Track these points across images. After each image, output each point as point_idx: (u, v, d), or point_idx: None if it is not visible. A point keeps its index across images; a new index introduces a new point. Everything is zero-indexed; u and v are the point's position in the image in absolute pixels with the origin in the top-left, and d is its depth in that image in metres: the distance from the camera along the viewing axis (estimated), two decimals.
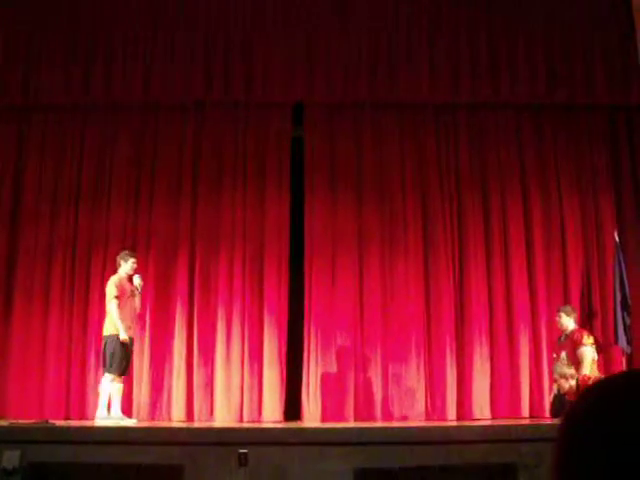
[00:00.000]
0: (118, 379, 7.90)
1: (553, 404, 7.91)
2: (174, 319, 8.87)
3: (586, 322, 8.94)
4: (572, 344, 7.91)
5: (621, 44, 9.19)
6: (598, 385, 1.02)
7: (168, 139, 9.31)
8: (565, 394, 7.37)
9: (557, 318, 8.29)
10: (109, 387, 7.81)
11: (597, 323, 9.03)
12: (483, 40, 9.21)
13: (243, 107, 9.34)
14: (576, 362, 7.69)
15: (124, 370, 7.91)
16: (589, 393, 1.02)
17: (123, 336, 7.70)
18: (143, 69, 9.08)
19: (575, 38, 9.21)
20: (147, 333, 8.79)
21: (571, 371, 7.36)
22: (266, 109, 9.35)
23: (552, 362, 8.30)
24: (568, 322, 8.14)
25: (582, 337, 7.90)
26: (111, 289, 7.87)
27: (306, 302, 8.95)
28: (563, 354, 7.89)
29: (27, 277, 8.96)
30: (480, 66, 9.15)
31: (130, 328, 7.91)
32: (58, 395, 8.65)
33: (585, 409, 1.00)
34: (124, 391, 8.22)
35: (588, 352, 7.77)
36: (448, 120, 9.48)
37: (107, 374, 7.80)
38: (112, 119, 9.37)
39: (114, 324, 7.74)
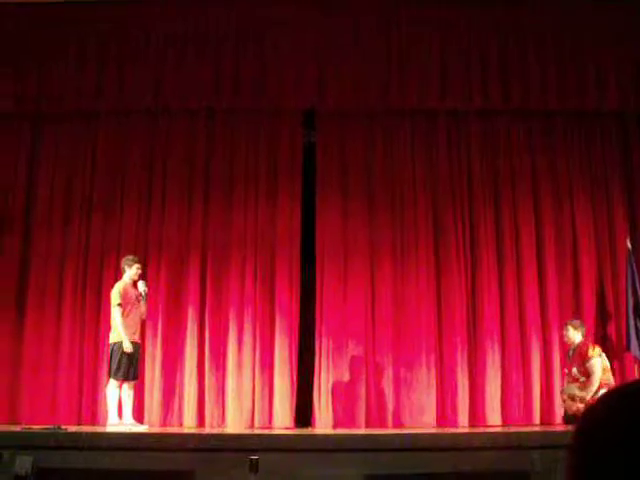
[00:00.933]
0: (129, 385, 7.94)
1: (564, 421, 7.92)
2: (185, 326, 8.89)
3: (598, 331, 8.92)
4: (580, 358, 7.87)
5: (632, 50, 9.16)
6: (615, 391, 1.03)
7: (180, 146, 9.34)
8: (573, 415, 7.36)
9: (564, 332, 8.23)
10: (117, 393, 7.85)
11: (611, 330, 8.99)
12: (494, 46, 9.20)
13: (254, 113, 9.36)
14: (587, 375, 7.66)
15: (132, 376, 7.94)
16: (606, 398, 1.02)
17: (126, 345, 7.75)
18: (154, 75, 9.11)
19: (586, 44, 9.18)
20: (159, 339, 8.82)
21: (582, 394, 7.36)
22: (277, 116, 9.37)
23: (564, 376, 8.28)
24: (575, 336, 8.07)
25: (587, 350, 7.84)
26: (114, 296, 7.91)
27: (317, 309, 8.95)
28: (574, 370, 7.87)
29: (40, 285, 9.00)
30: (491, 72, 9.14)
31: (135, 334, 7.95)
32: (70, 401, 8.68)
33: (602, 414, 1.00)
34: (135, 397, 8.26)
35: (597, 364, 7.72)
36: (459, 127, 9.47)
37: (112, 380, 7.84)
38: (124, 126, 9.41)
39: (117, 332, 7.81)
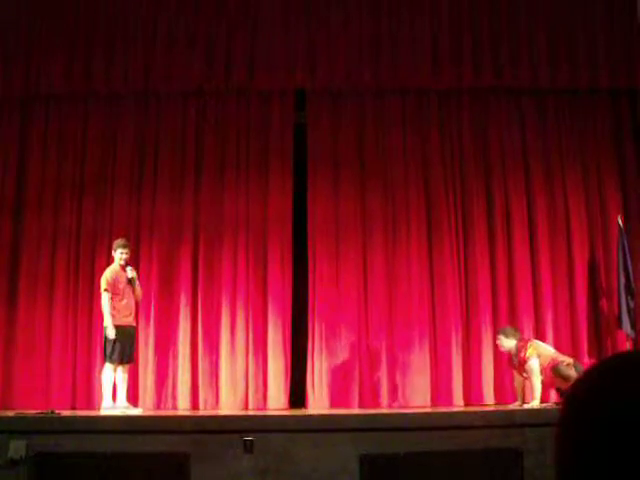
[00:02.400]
0: (123, 368, 7.93)
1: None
2: (178, 309, 8.88)
3: (590, 309, 8.96)
4: (520, 364, 7.79)
5: (624, 27, 9.14)
6: (595, 368, 1.02)
7: (170, 128, 9.29)
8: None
9: (497, 341, 8.05)
10: (112, 376, 7.84)
11: (603, 307, 9.02)
12: (485, 25, 9.17)
13: (245, 94, 9.32)
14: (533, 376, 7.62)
15: (126, 359, 7.93)
16: (588, 375, 1.02)
17: (109, 331, 7.73)
18: (144, 57, 9.05)
19: (577, 21, 9.15)
20: (151, 323, 8.81)
21: (570, 372, 7.38)
22: (268, 96, 9.33)
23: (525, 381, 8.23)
24: (509, 342, 7.93)
25: (521, 353, 7.77)
26: (102, 281, 7.91)
27: (310, 290, 8.95)
28: (524, 374, 7.82)
29: (32, 268, 8.97)
30: (483, 51, 9.11)
31: (129, 317, 7.94)
32: (64, 385, 8.67)
33: (585, 391, 1.00)
34: (129, 380, 8.26)
35: (533, 365, 7.66)
36: (451, 105, 9.44)
37: (107, 364, 7.84)
38: (114, 108, 9.35)
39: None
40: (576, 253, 9.11)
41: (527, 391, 7.88)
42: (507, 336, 7.90)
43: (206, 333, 8.82)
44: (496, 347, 8.67)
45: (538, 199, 9.20)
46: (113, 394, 7.88)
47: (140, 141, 9.30)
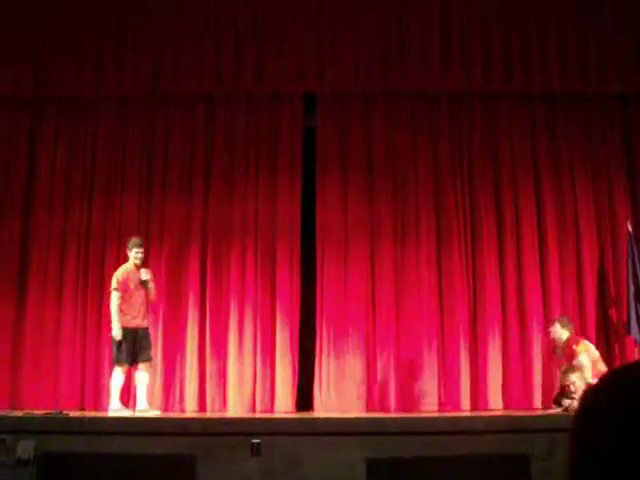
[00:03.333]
0: (140, 368, 7.83)
1: (555, 399, 7.93)
2: (186, 311, 8.90)
3: (599, 314, 8.93)
4: (569, 357, 7.80)
5: (634, 33, 9.11)
6: (612, 373, 1.03)
7: (179, 131, 9.32)
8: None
9: (551, 328, 8.09)
10: (120, 379, 7.76)
11: (612, 313, 9.00)
12: (496, 28, 9.15)
13: (254, 98, 9.34)
14: (578, 372, 7.63)
15: (139, 359, 7.80)
16: (603, 382, 1.02)
17: (116, 332, 7.65)
18: (153, 60, 9.08)
19: (588, 27, 9.14)
20: (160, 325, 8.82)
21: (579, 382, 7.39)
22: (277, 100, 9.34)
23: (556, 373, 8.25)
24: (562, 333, 7.96)
25: (572, 349, 7.79)
26: (112, 281, 7.84)
27: (318, 293, 8.95)
28: (563, 368, 7.85)
29: (41, 268, 9.00)
30: (493, 55, 9.10)
31: (138, 318, 7.82)
32: (72, 386, 8.69)
33: (599, 398, 1.00)
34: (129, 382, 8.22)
35: (584, 360, 7.67)
36: (461, 109, 9.44)
37: (115, 366, 7.79)
38: (123, 111, 9.39)
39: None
40: (585, 259, 9.09)
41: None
42: (563, 326, 7.94)
43: (214, 335, 8.83)
44: (504, 352, 8.67)
45: (547, 205, 9.18)
46: (122, 396, 7.86)
47: (149, 144, 9.33)
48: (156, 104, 9.40)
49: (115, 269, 8.09)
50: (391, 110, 9.35)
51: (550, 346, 8.33)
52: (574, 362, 7.66)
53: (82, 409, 8.48)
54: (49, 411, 7.45)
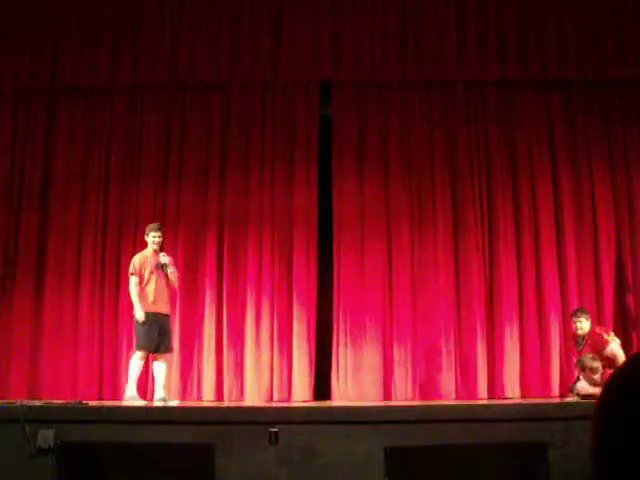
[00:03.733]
0: (160, 358, 7.83)
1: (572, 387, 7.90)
2: (204, 300, 8.92)
3: (617, 302, 8.89)
4: (595, 346, 7.77)
5: None
6: (634, 359, 1.03)
7: (195, 119, 9.33)
8: (595, 385, 7.32)
9: (577, 321, 7.99)
10: (139, 365, 7.75)
11: (629, 301, 8.95)
12: (512, 16, 9.10)
13: (270, 86, 9.33)
14: (609, 360, 7.57)
15: (162, 348, 7.78)
16: (626, 367, 1.02)
17: (138, 314, 7.62)
18: (169, 49, 9.09)
19: (605, 12, 9.06)
20: (177, 314, 8.84)
21: (595, 364, 7.35)
22: (293, 88, 9.33)
23: (574, 363, 8.21)
24: (588, 325, 7.97)
25: (602, 337, 7.76)
26: (130, 266, 7.83)
27: (335, 282, 8.95)
28: (590, 356, 7.81)
29: (58, 259, 9.05)
30: (509, 42, 9.05)
31: (158, 304, 7.76)
32: (91, 375, 8.74)
33: (620, 384, 1.00)
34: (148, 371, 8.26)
35: (616, 347, 7.66)
36: (477, 97, 9.39)
37: (136, 352, 7.79)
38: (139, 100, 9.40)
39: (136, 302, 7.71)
40: (602, 248, 9.04)
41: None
42: (588, 319, 7.94)
43: (231, 325, 8.85)
44: (521, 341, 8.66)
45: (565, 193, 9.13)
46: (138, 386, 7.86)
47: (166, 133, 9.34)
48: (172, 93, 9.40)
49: (131, 258, 8.11)
50: (407, 98, 9.32)
51: (571, 336, 8.29)
52: (606, 351, 7.63)
53: (100, 399, 8.53)
54: (69, 401, 7.50)
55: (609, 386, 1.03)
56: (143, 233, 8.18)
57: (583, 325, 7.93)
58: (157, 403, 7.59)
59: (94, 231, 9.11)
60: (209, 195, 9.14)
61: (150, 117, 9.35)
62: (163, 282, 7.89)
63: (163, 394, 7.79)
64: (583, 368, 7.49)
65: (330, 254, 9.04)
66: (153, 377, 8.07)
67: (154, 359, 7.89)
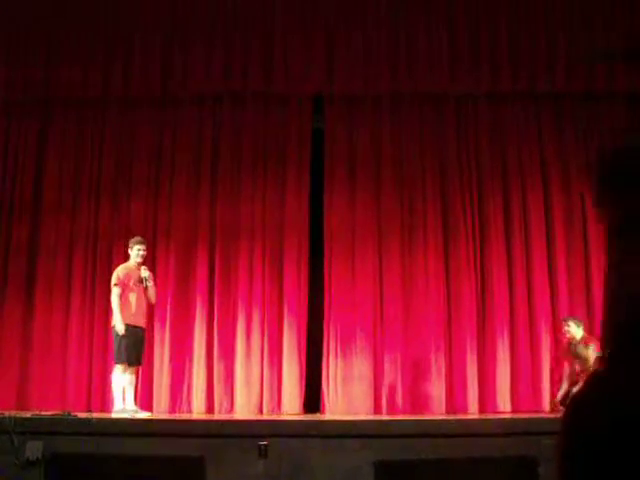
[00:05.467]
0: (131, 371, 7.84)
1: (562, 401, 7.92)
2: (194, 312, 8.91)
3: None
4: (582, 353, 7.86)
5: None
6: (596, 378, 1.04)
7: (187, 132, 9.35)
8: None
9: (566, 328, 8.17)
10: (122, 378, 7.75)
11: None
12: (503, 29, 9.15)
13: (262, 99, 9.35)
14: (583, 361, 7.68)
15: (135, 361, 7.83)
16: (590, 386, 1.03)
17: (119, 326, 7.62)
18: (161, 61, 9.11)
19: (595, 25, 9.10)
20: (167, 325, 8.84)
21: (589, 352, 7.43)
22: (286, 101, 9.35)
23: (562, 369, 8.27)
24: (577, 331, 8.06)
25: (590, 344, 7.82)
26: (113, 277, 7.84)
27: (326, 294, 8.96)
28: (577, 367, 7.85)
29: (48, 270, 9.04)
30: (500, 56, 9.09)
31: (135, 317, 7.77)
32: (79, 387, 8.71)
33: (586, 398, 1.01)
34: (144, 383, 8.27)
35: (590, 354, 7.72)
36: (468, 111, 9.44)
37: (117, 365, 7.77)
38: (131, 112, 9.42)
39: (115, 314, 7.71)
40: (593, 259, 9.06)
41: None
42: (578, 325, 8.02)
43: (222, 336, 8.84)
44: (512, 353, 8.67)
45: (555, 205, 9.17)
46: (124, 396, 7.85)
47: (157, 145, 9.36)
48: (164, 105, 9.42)
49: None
50: (399, 111, 9.36)
51: (564, 345, 8.33)
52: (584, 350, 7.70)
53: (89, 410, 8.49)
54: (58, 412, 7.46)
55: (572, 406, 1.05)
56: (128, 243, 8.21)
57: (571, 330, 8.02)
58: (127, 415, 7.55)
59: (85, 243, 9.10)
60: (200, 207, 9.14)
61: (142, 129, 9.37)
62: (143, 296, 7.92)
63: (135, 406, 7.83)
64: (577, 356, 7.56)
65: (321, 266, 9.05)
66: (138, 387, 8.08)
67: (123, 370, 7.87)
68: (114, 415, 7.59)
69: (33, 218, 9.17)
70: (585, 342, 7.88)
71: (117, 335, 7.69)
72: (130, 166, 9.30)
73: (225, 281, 8.99)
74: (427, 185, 9.18)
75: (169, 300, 8.89)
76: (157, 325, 8.84)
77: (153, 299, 8.12)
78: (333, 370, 8.77)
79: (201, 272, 8.99)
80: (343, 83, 9.11)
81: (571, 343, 8.12)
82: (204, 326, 8.86)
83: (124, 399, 7.79)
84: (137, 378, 8.18)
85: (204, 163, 9.27)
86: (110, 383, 8.35)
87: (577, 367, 7.94)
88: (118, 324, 7.64)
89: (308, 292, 8.99)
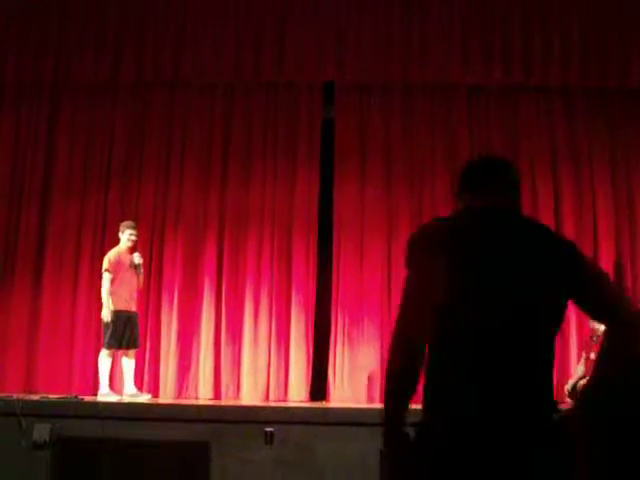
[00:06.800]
0: (127, 354, 7.92)
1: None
2: (202, 298, 8.92)
3: None
4: (600, 345, 7.79)
5: None
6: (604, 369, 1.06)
7: (198, 119, 9.32)
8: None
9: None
10: (108, 362, 7.85)
11: None
12: (516, 21, 9.08)
13: (273, 87, 9.33)
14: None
15: (130, 344, 7.90)
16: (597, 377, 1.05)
17: (104, 312, 7.70)
18: (173, 50, 9.08)
19: (609, 19, 9.04)
20: (175, 311, 8.85)
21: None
22: (297, 89, 9.33)
23: (579, 359, 8.25)
24: (600, 324, 7.99)
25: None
26: (105, 262, 7.88)
27: (334, 282, 8.96)
28: (592, 355, 7.82)
29: (57, 255, 9.04)
30: (513, 48, 9.03)
31: (129, 302, 7.88)
32: (86, 371, 8.73)
33: (589, 402, 1.03)
34: (151, 368, 8.31)
35: None
36: (480, 103, 9.39)
37: (103, 349, 7.85)
38: (142, 99, 9.40)
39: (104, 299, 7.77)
40: (602, 253, 9.01)
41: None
42: None
43: (229, 323, 8.85)
44: None
45: (566, 199, 9.12)
46: (110, 380, 7.94)
47: (167, 131, 9.34)
48: (175, 92, 9.40)
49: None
50: (410, 101, 9.32)
51: (586, 338, 8.30)
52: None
53: (95, 394, 8.52)
54: (65, 396, 7.51)
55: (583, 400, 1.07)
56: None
57: (594, 324, 7.97)
58: (128, 399, 7.60)
59: (94, 228, 9.10)
60: (210, 194, 9.14)
61: (153, 116, 9.35)
62: (134, 280, 8.02)
63: (135, 389, 7.90)
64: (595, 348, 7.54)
65: (330, 255, 9.04)
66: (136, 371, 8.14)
67: (124, 355, 7.96)
68: (100, 398, 7.60)
69: (42, 203, 9.17)
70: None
71: (107, 322, 7.75)
72: (140, 152, 9.29)
73: (233, 267, 8.99)
74: (437, 174, 9.13)
75: (177, 285, 8.90)
76: (165, 310, 8.85)
77: (141, 284, 8.22)
78: (340, 358, 8.77)
79: (210, 258, 9.00)
80: (354, 71, 9.06)
81: (592, 336, 8.06)
82: (212, 312, 8.87)
83: (112, 384, 7.86)
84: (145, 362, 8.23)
85: (214, 149, 9.25)
86: (117, 367, 8.40)
87: (592, 359, 7.89)
88: (105, 310, 7.71)
89: (316, 280, 8.98)
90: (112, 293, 7.78)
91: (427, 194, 9.11)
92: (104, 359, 7.86)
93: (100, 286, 7.98)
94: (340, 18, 9.10)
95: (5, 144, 9.26)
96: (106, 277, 7.80)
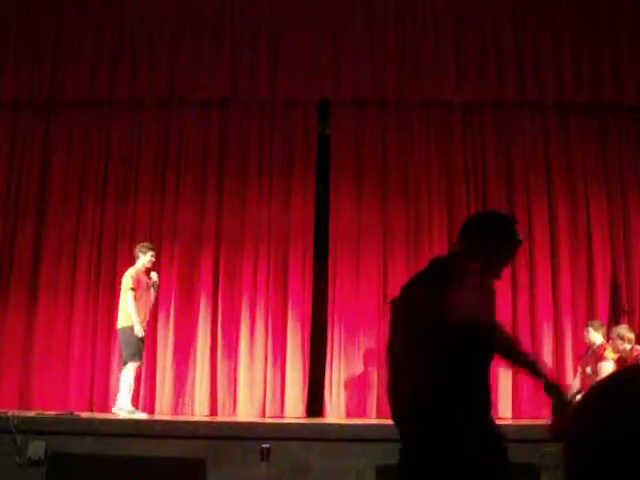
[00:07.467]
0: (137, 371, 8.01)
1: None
2: (198, 314, 8.92)
3: (611, 324, 8.88)
4: (595, 359, 7.78)
5: None
6: (600, 389, 1.05)
7: (194, 136, 9.34)
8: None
9: (585, 333, 8.12)
10: (132, 377, 7.86)
11: (623, 323, 8.95)
12: (509, 38, 9.15)
13: (269, 104, 9.37)
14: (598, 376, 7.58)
15: (140, 359, 8.03)
16: (593, 394, 1.05)
17: (138, 329, 7.78)
18: (169, 66, 9.12)
19: (603, 36, 9.11)
20: (171, 327, 8.85)
21: (630, 334, 7.44)
22: (292, 106, 9.37)
23: (575, 373, 8.24)
24: (596, 337, 7.97)
25: (604, 352, 7.76)
26: (127, 280, 7.95)
27: (330, 299, 8.96)
28: (588, 369, 7.82)
29: (53, 270, 9.04)
30: (506, 64, 9.10)
31: (143, 320, 7.96)
32: (82, 387, 8.72)
33: (588, 410, 1.03)
34: (147, 384, 8.30)
35: (608, 368, 7.63)
36: (474, 119, 9.44)
37: (130, 363, 7.85)
38: (138, 115, 9.43)
39: (129, 316, 7.83)
40: (597, 268, 9.05)
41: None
42: (596, 330, 7.95)
43: (225, 339, 8.85)
44: None
45: (560, 214, 9.15)
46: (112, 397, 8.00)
47: (163, 148, 9.36)
48: (171, 109, 9.43)
49: (127, 273, 8.14)
50: (405, 118, 9.36)
51: (584, 351, 8.30)
52: (597, 365, 7.65)
53: (91, 410, 8.52)
54: (61, 412, 7.49)
55: (579, 415, 1.07)
56: (139, 248, 8.25)
57: (590, 336, 7.95)
58: (125, 415, 7.59)
59: (89, 244, 9.10)
60: (206, 210, 9.15)
61: (148, 132, 9.38)
62: (149, 299, 8.18)
63: (131, 407, 7.91)
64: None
65: (326, 270, 9.05)
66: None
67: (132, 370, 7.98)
68: (118, 413, 7.62)
69: (38, 219, 9.18)
70: (600, 353, 7.75)
71: (132, 335, 7.81)
72: (136, 169, 9.31)
73: (229, 283, 9.00)
74: (433, 191, 9.17)
75: (173, 303, 8.91)
76: (161, 326, 8.85)
77: (153, 302, 8.36)
78: (336, 374, 8.76)
79: (205, 273, 9.00)
80: (349, 88, 9.11)
81: (588, 349, 8.06)
82: (208, 329, 8.87)
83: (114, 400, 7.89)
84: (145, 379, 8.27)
85: (210, 166, 9.28)
86: (113, 383, 8.39)
87: (588, 373, 7.87)
88: (137, 326, 7.78)
89: (312, 296, 8.99)
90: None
91: (423, 209, 9.13)
92: (130, 374, 7.87)
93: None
94: (335, 35, 9.15)
95: (1, 160, 9.28)
96: (131, 295, 7.89)
